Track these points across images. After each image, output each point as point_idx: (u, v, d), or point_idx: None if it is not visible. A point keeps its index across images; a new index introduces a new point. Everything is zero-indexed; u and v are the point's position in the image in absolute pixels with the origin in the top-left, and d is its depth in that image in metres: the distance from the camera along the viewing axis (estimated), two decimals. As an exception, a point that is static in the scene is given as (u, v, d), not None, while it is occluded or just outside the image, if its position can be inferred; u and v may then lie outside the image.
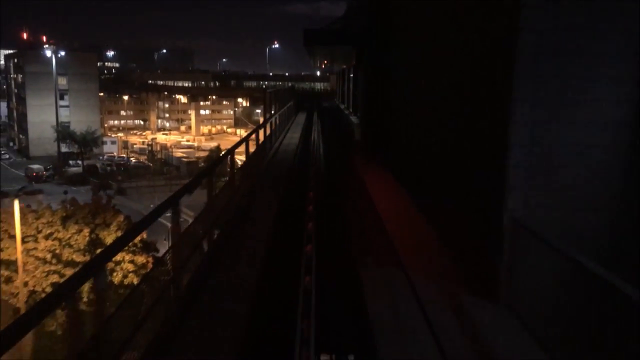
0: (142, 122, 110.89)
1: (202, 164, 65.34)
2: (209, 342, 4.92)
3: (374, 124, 15.59)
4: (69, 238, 24.61)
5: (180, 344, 4.89)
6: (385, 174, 12.86)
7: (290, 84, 60.88)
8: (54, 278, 23.86)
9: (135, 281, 24.11)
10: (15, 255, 24.31)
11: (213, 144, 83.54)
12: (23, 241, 23.70)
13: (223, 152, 9.21)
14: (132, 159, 79.65)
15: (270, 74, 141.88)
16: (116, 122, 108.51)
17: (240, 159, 12.49)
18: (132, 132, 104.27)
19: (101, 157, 77.71)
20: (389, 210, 9.51)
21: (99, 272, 3.83)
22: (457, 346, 4.77)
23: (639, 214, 5.22)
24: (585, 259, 4.43)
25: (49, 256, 24.23)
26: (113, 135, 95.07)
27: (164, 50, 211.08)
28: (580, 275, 4.34)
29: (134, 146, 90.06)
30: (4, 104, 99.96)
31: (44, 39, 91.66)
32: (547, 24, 5.06)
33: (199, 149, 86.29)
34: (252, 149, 12.57)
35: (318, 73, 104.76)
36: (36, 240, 24.49)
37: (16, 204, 20.71)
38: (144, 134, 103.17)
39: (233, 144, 10.53)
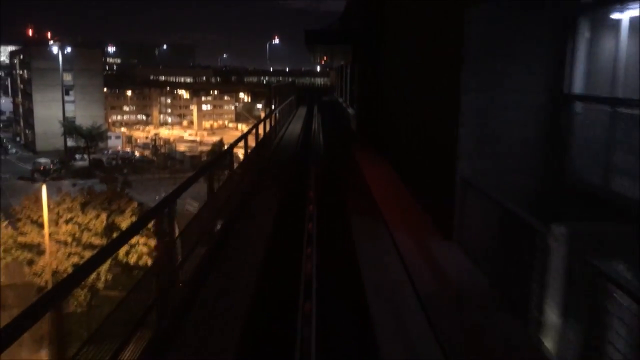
0: (144, 117, 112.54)
1: (205, 157, 67.31)
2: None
3: (368, 113, 17.58)
4: (88, 223, 26.43)
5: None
6: (375, 153, 14.85)
7: (290, 79, 62.72)
8: (75, 259, 25.73)
9: (149, 262, 26.02)
10: (37, 239, 26.20)
11: (215, 139, 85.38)
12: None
13: (233, 141, 11.20)
14: (136, 153, 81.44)
15: (271, 69, 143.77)
16: (119, 117, 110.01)
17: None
18: (135, 127, 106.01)
19: (106, 152, 79.40)
20: (376, 179, 11.43)
21: (172, 205, 5.73)
22: (417, 267, 6.68)
23: (553, 175, 7.12)
24: (510, 204, 6.29)
25: (69, 239, 26.09)
26: (117, 130, 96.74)
27: (165, 46, 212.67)
28: (506, 215, 6.20)
29: (138, 141, 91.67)
30: (8, 100, 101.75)
31: (49, 35, 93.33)
32: (484, 32, 6.95)
33: (201, 143, 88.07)
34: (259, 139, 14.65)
35: (318, 68, 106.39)
36: (57, 225, 26.37)
37: (44, 189, 22.54)
38: (146, 128, 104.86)
39: (235, 138, 12.51)
